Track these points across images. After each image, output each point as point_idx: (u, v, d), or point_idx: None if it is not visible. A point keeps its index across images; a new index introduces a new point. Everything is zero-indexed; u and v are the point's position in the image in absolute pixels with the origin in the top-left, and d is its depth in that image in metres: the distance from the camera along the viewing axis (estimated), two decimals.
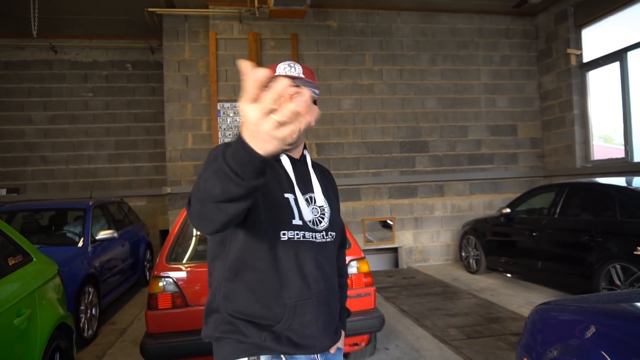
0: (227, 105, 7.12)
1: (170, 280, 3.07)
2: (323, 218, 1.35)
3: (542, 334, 2.11)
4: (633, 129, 6.50)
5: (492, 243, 6.39)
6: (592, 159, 7.28)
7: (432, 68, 7.80)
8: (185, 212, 3.55)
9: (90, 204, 5.42)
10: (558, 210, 5.23)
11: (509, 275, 6.24)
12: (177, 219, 3.61)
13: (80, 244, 4.81)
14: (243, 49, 7.18)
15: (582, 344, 1.80)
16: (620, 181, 5.04)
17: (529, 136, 8.14)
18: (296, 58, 7.31)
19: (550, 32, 7.82)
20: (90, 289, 4.51)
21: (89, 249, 4.81)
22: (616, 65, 6.68)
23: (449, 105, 7.84)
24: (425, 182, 7.74)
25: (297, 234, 1.27)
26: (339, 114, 7.44)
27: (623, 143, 6.66)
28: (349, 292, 3.11)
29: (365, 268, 3.31)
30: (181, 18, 7.20)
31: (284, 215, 1.27)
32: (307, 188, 1.35)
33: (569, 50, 7.32)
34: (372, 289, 3.33)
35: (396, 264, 7.70)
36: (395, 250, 7.69)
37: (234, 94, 7.14)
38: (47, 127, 8.29)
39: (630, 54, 6.48)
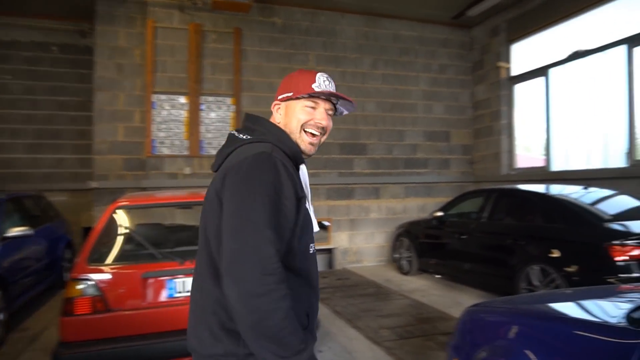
0: (163, 97, 6.78)
1: (90, 282, 2.82)
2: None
3: (472, 335, 2.17)
4: (552, 140, 7.02)
5: (424, 245, 6.60)
6: (515, 166, 7.78)
7: (374, 72, 7.93)
8: (112, 208, 3.30)
9: (2, 197, 4.92)
10: (486, 215, 5.51)
11: (438, 276, 6.47)
12: (102, 216, 3.34)
13: None
14: (183, 40, 6.87)
15: (508, 345, 1.86)
16: (540, 188, 5.40)
17: (461, 143, 8.53)
18: (239, 53, 7.13)
19: (484, 44, 8.26)
20: None
21: None
22: (541, 80, 7.17)
23: (388, 109, 8.01)
24: (362, 184, 7.85)
25: (313, 246, 1.30)
26: None
27: (543, 153, 7.17)
28: None
29: None
30: (117, 2, 6.73)
31: (311, 228, 1.28)
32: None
33: (499, 63, 7.78)
34: None
35: (330, 264, 7.73)
36: (330, 251, 7.72)
37: (171, 85, 6.81)
38: None
39: (552, 70, 6.98)
